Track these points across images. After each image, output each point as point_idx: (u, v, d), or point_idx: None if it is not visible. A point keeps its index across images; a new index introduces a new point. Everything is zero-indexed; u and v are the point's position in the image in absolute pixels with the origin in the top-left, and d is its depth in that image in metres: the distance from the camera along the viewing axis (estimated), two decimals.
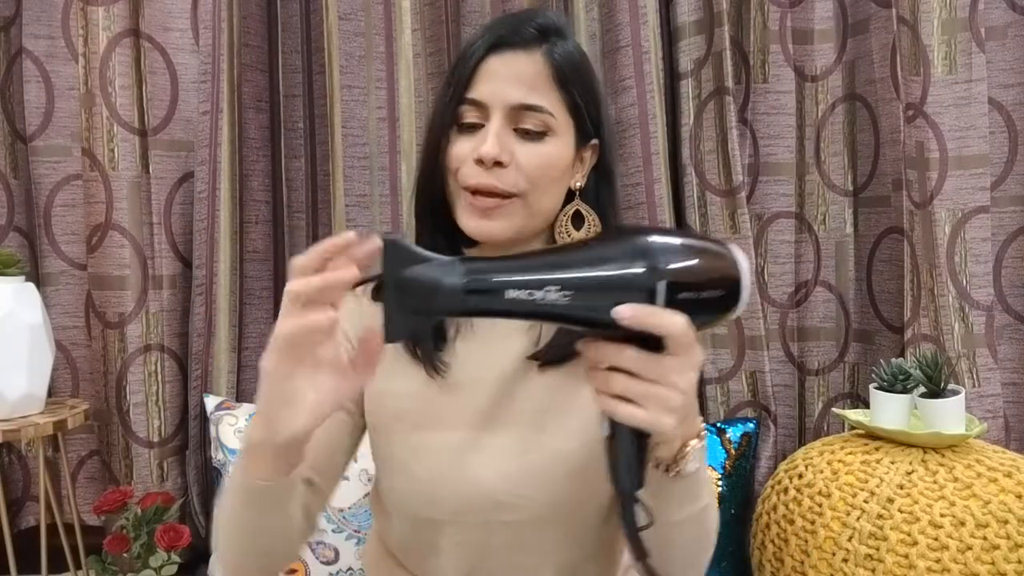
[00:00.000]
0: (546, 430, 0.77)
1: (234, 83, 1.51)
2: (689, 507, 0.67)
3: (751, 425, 1.46)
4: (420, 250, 0.53)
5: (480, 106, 0.77)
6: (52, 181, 1.57)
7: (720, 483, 1.40)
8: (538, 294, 0.51)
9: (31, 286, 1.40)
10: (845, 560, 1.06)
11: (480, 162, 0.75)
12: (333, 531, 1.31)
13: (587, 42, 1.51)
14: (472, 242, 0.80)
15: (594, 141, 0.83)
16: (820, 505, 1.11)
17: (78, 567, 1.46)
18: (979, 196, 1.39)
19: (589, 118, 0.81)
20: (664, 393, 0.54)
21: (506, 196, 0.76)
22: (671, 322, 0.52)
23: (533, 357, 0.79)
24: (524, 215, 0.77)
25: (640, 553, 0.58)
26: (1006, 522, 1.00)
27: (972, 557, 0.99)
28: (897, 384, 1.17)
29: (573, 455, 0.76)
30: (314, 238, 1.60)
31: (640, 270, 0.52)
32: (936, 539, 1.01)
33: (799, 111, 1.53)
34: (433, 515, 0.78)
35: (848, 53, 1.52)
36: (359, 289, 0.60)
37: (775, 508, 1.19)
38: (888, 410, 1.16)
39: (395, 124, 1.55)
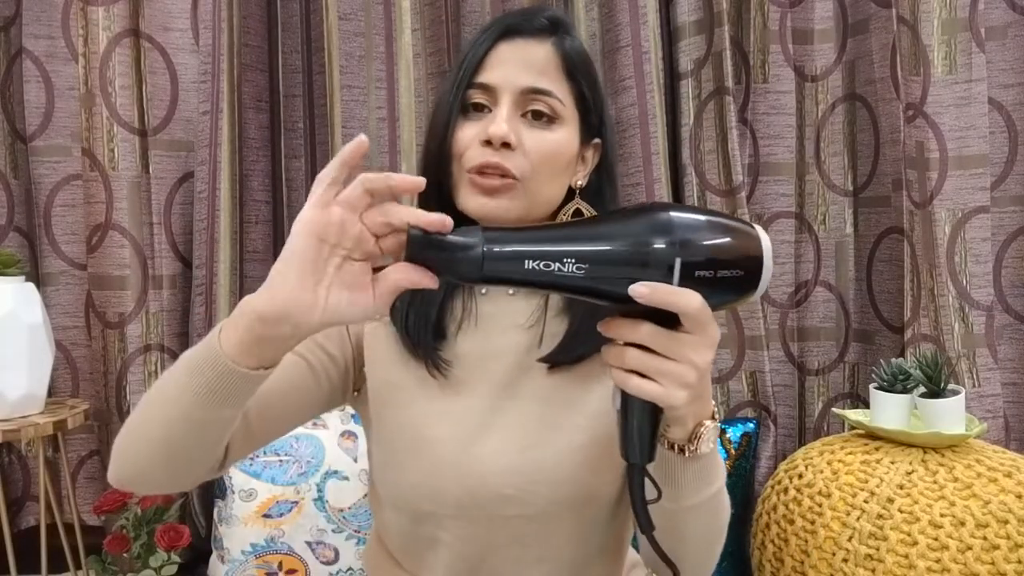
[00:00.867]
0: (552, 425, 0.77)
1: (234, 83, 1.51)
2: (705, 490, 0.67)
3: (751, 425, 1.46)
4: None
5: (489, 90, 0.78)
6: (52, 181, 1.57)
7: (725, 478, 1.40)
8: (555, 266, 0.52)
9: (31, 286, 1.40)
10: (845, 560, 1.06)
11: (488, 143, 0.75)
12: (333, 531, 1.31)
13: (587, 42, 1.51)
14: None
15: (597, 140, 0.83)
16: (820, 505, 1.11)
17: (78, 567, 1.46)
18: (979, 196, 1.39)
19: (594, 113, 0.82)
20: (678, 369, 0.54)
21: (510, 178, 0.76)
22: (686, 301, 0.52)
23: (543, 360, 0.79)
24: (525, 202, 0.77)
25: (647, 525, 0.59)
26: (1006, 522, 1.00)
27: (972, 557, 0.99)
28: (897, 384, 1.17)
29: (580, 450, 0.76)
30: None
31: (656, 246, 0.52)
32: (936, 539, 1.01)
33: (799, 111, 1.53)
34: (435, 509, 0.77)
35: (848, 53, 1.52)
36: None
37: (775, 508, 1.19)
38: (888, 410, 1.16)
39: (395, 124, 1.55)
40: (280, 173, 1.61)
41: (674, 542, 0.65)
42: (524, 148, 0.76)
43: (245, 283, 1.57)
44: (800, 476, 1.17)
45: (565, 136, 0.79)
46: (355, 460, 1.35)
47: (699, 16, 1.50)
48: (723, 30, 1.46)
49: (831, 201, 1.54)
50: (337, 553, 1.32)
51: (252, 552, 1.32)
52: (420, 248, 0.53)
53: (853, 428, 1.27)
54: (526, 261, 0.52)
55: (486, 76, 0.78)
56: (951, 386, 1.17)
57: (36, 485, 1.55)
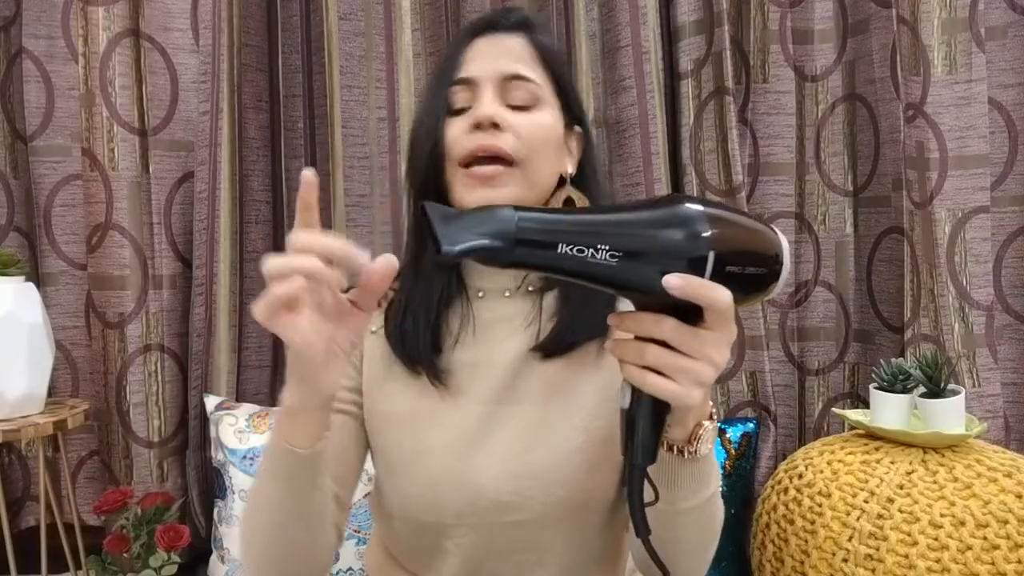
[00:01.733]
0: (549, 428, 0.77)
1: (234, 83, 1.51)
2: (701, 493, 0.67)
3: (751, 425, 1.46)
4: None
5: (470, 84, 0.79)
6: (52, 181, 1.57)
7: (720, 483, 1.40)
8: (589, 252, 0.49)
9: (31, 286, 1.40)
10: (845, 560, 1.05)
11: (477, 127, 0.76)
12: None
13: (587, 42, 1.51)
14: None
15: (578, 129, 0.85)
16: (820, 505, 1.11)
17: (78, 567, 1.46)
18: (979, 196, 1.39)
19: (572, 102, 0.83)
20: (698, 367, 0.53)
21: (507, 162, 0.76)
22: (718, 295, 0.51)
23: (535, 349, 0.79)
24: (523, 186, 0.77)
25: (644, 529, 0.58)
26: (1006, 522, 1.00)
27: (972, 557, 0.99)
28: (897, 384, 1.17)
29: (576, 452, 0.76)
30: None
31: (692, 238, 0.50)
32: (936, 539, 1.01)
33: (799, 111, 1.53)
34: (437, 519, 0.77)
35: (848, 53, 1.52)
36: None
37: (775, 508, 1.19)
38: (888, 410, 1.16)
39: (395, 124, 1.55)
40: (280, 173, 1.61)
41: (667, 546, 0.65)
42: (514, 129, 0.77)
43: (245, 283, 1.57)
44: (800, 476, 1.17)
45: (550, 117, 0.80)
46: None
47: (699, 16, 1.50)
48: (723, 30, 1.46)
49: (831, 201, 1.54)
50: (337, 553, 1.32)
51: None
52: (439, 223, 0.48)
53: (853, 428, 1.27)
54: (559, 245, 0.49)
55: (466, 71, 0.79)
56: (951, 386, 1.17)
57: (36, 485, 1.55)
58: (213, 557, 1.37)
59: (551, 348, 0.79)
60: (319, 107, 1.58)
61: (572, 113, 0.83)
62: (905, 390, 1.17)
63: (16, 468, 1.58)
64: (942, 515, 1.02)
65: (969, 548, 0.99)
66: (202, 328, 1.49)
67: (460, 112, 0.79)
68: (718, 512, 0.72)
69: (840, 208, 1.55)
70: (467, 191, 0.77)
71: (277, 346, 1.62)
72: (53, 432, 1.34)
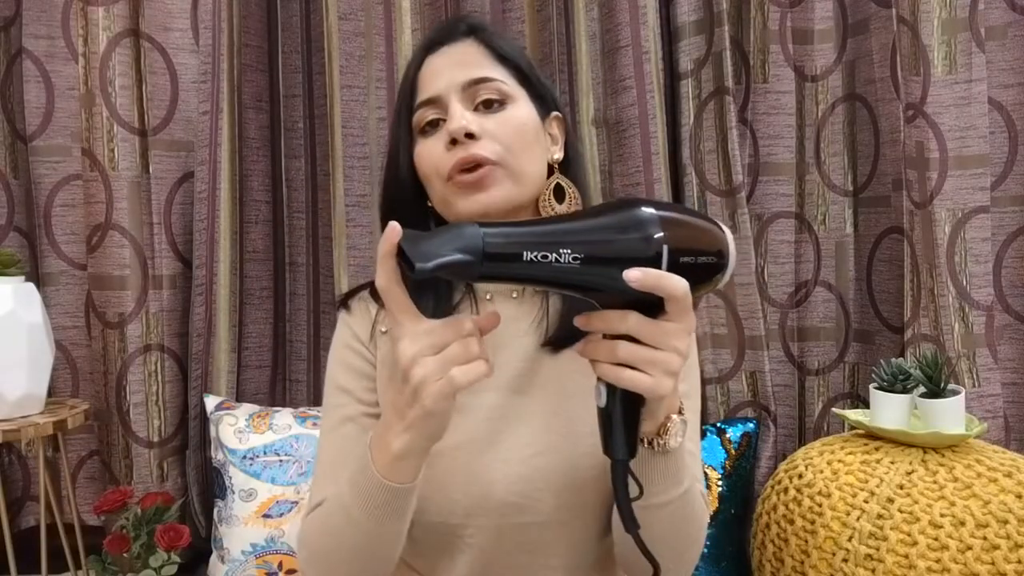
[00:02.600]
0: (558, 433, 0.77)
1: (234, 83, 1.51)
2: (672, 490, 0.68)
3: (751, 425, 1.46)
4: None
5: (434, 102, 0.79)
6: (52, 181, 1.57)
7: (720, 483, 1.40)
8: (552, 256, 0.53)
9: (31, 286, 1.40)
10: (845, 560, 1.06)
11: (453, 142, 0.76)
12: None
13: (587, 42, 1.51)
14: None
15: (556, 114, 0.84)
16: (820, 505, 1.11)
17: (78, 567, 1.46)
18: (979, 196, 1.39)
19: (541, 89, 0.83)
20: (665, 357, 0.56)
21: (489, 163, 0.76)
22: (676, 285, 0.54)
23: (545, 344, 0.79)
24: (511, 183, 0.77)
25: (631, 523, 0.60)
26: (1006, 522, 1.00)
27: (972, 557, 0.99)
28: (897, 384, 1.17)
29: (585, 458, 0.76)
30: (314, 238, 1.60)
31: (646, 235, 0.54)
32: (936, 539, 1.01)
33: (799, 111, 1.53)
34: (445, 519, 0.77)
35: (848, 53, 1.52)
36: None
37: (775, 508, 1.19)
38: (888, 410, 1.16)
39: None
40: (280, 173, 1.61)
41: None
42: (489, 133, 0.77)
43: (245, 283, 1.57)
44: (800, 476, 1.17)
45: (523, 111, 0.80)
46: None
47: (699, 16, 1.50)
48: (723, 30, 1.46)
49: (831, 201, 1.54)
50: None
51: (252, 552, 1.32)
52: (411, 249, 0.52)
53: (853, 428, 1.27)
54: (524, 253, 0.52)
55: (425, 92, 0.79)
56: (951, 386, 1.17)
57: (36, 485, 1.55)
58: (213, 557, 1.37)
59: (560, 338, 0.79)
60: (319, 107, 1.58)
61: (544, 101, 0.83)
62: (905, 390, 1.17)
63: (16, 468, 1.58)
64: (942, 515, 1.02)
65: (969, 548, 0.99)
66: (202, 328, 1.49)
67: (431, 128, 0.79)
68: (694, 513, 0.72)
69: (840, 208, 1.55)
70: (462, 200, 0.77)
71: (277, 346, 1.63)
72: (53, 432, 1.34)
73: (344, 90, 1.54)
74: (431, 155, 0.78)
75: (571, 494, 0.76)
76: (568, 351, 0.80)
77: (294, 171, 1.61)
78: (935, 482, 1.06)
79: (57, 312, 1.58)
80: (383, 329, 0.84)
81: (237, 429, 1.38)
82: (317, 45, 1.57)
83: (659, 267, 0.54)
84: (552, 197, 0.81)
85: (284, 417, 1.41)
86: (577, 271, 0.53)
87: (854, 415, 1.24)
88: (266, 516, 1.32)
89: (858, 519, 1.06)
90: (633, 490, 0.60)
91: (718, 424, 1.46)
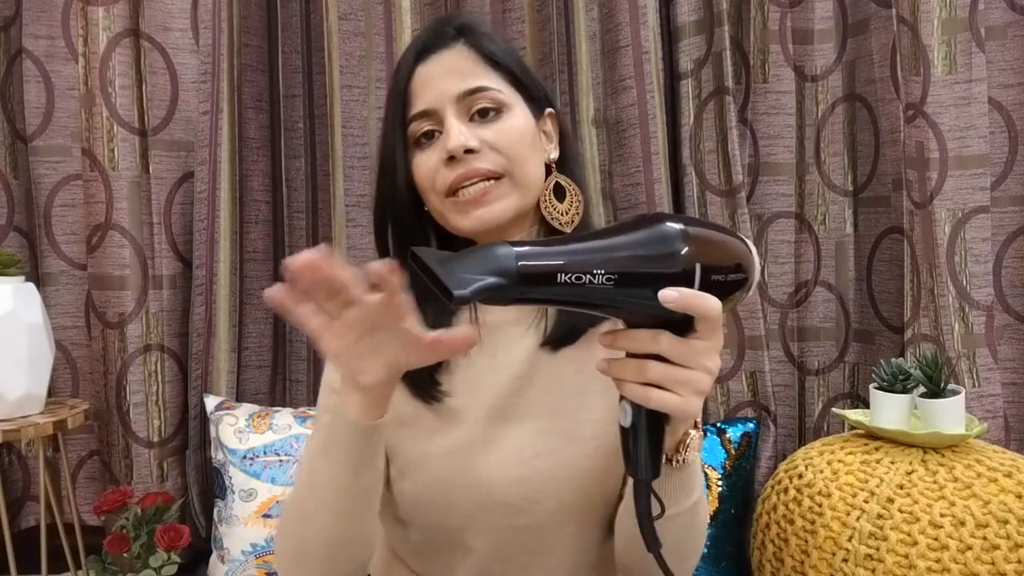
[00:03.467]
0: (559, 435, 0.77)
1: (234, 83, 1.51)
2: (684, 501, 0.67)
3: (751, 425, 1.46)
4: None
5: (429, 114, 0.77)
6: (52, 181, 1.57)
7: (720, 483, 1.40)
8: (586, 278, 0.50)
9: (31, 286, 1.40)
10: (845, 560, 1.05)
11: (452, 159, 0.75)
12: None
13: (587, 42, 1.51)
14: None
15: (550, 110, 0.83)
16: (820, 505, 1.11)
17: (78, 567, 1.46)
18: (979, 196, 1.39)
19: (535, 89, 0.82)
20: (695, 376, 0.54)
21: (493, 177, 0.75)
22: (711, 305, 0.52)
23: (545, 344, 0.79)
24: (517, 193, 0.77)
25: (653, 543, 0.58)
26: (1006, 522, 1.00)
27: (972, 557, 0.99)
28: (897, 384, 1.17)
29: (585, 459, 0.76)
30: (314, 238, 1.60)
31: (678, 254, 0.52)
32: (936, 539, 1.01)
33: (799, 111, 1.53)
34: (445, 521, 0.77)
35: (848, 53, 1.52)
36: None
37: (775, 508, 1.19)
38: (888, 410, 1.16)
39: None
40: (280, 173, 1.61)
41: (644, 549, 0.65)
42: (489, 145, 0.76)
43: (245, 283, 1.57)
44: (800, 476, 1.17)
45: (520, 117, 0.78)
46: None
47: (699, 16, 1.50)
48: (723, 30, 1.45)
49: (831, 201, 1.54)
50: None
51: (252, 552, 1.32)
52: (445, 275, 0.47)
53: (853, 428, 1.27)
54: (559, 275, 0.50)
55: (419, 104, 0.77)
56: (951, 386, 1.17)
57: (36, 485, 1.55)
58: (213, 557, 1.37)
59: (559, 338, 0.78)
60: (319, 107, 1.58)
61: (537, 101, 0.82)
62: (905, 390, 1.17)
63: (16, 468, 1.58)
64: (942, 515, 1.02)
65: (969, 548, 0.99)
66: (202, 328, 1.49)
67: (428, 140, 0.78)
68: (700, 521, 0.72)
69: (840, 208, 1.54)
70: (462, 217, 0.76)
71: (277, 346, 1.63)
72: (53, 432, 1.34)
73: (344, 90, 1.54)
74: (428, 169, 0.77)
75: (571, 496, 0.76)
76: (567, 350, 0.80)
77: (294, 171, 1.61)
78: (935, 482, 1.06)
79: (57, 312, 1.58)
80: None
81: (237, 429, 1.38)
82: (317, 45, 1.57)
83: (692, 285, 0.52)
84: (552, 196, 0.81)
85: (284, 417, 1.41)
86: (610, 292, 0.51)
87: (854, 415, 1.24)
88: (266, 516, 1.32)
89: (858, 519, 1.06)
90: (655, 509, 0.59)
91: (718, 424, 1.46)
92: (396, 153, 0.79)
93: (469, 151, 0.74)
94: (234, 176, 1.52)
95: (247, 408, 1.44)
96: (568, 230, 0.80)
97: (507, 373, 0.79)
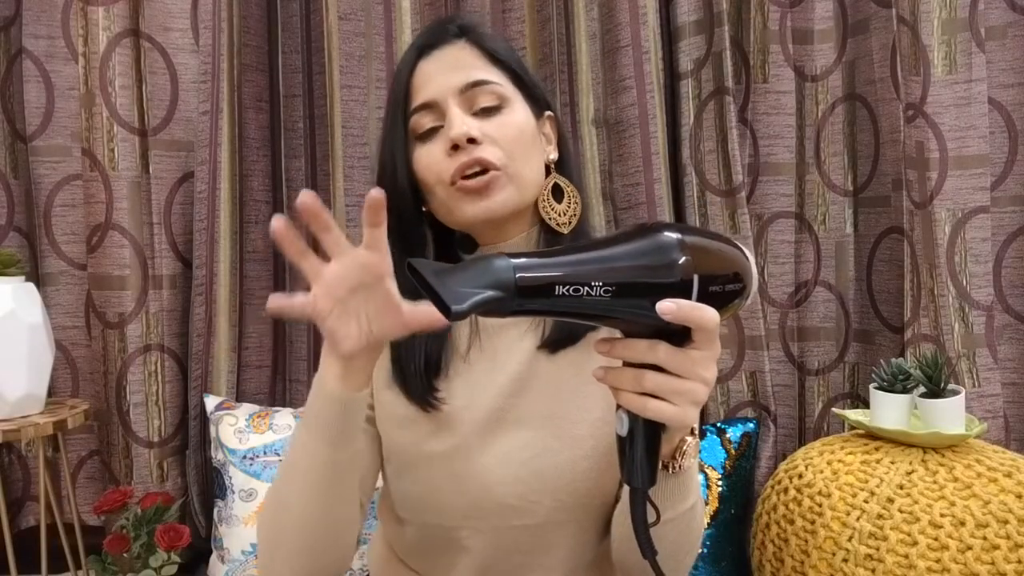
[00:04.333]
0: (556, 435, 0.77)
1: (234, 83, 1.51)
2: (680, 505, 0.67)
3: (751, 425, 1.46)
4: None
5: (430, 107, 0.78)
6: (52, 181, 1.57)
7: (720, 483, 1.40)
8: (584, 290, 0.50)
9: (31, 286, 1.40)
10: (845, 560, 1.06)
11: (455, 148, 0.75)
12: None
13: (587, 42, 1.51)
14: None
15: (549, 113, 0.84)
16: (820, 505, 1.11)
17: (78, 567, 1.46)
18: (979, 196, 1.39)
19: (535, 89, 0.83)
20: (692, 387, 0.54)
21: (493, 168, 0.76)
22: (709, 316, 0.52)
23: (543, 346, 0.79)
24: (514, 189, 0.77)
25: (649, 550, 0.59)
26: (1006, 522, 1.00)
27: (972, 557, 0.99)
28: (897, 384, 1.17)
29: (583, 460, 0.76)
30: (314, 238, 1.60)
31: (676, 265, 0.52)
32: (936, 539, 1.01)
33: (799, 111, 1.53)
34: (443, 521, 0.77)
35: (848, 53, 1.52)
36: None
37: (775, 508, 1.19)
38: (888, 410, 1.16)
39: None
40: (280, 173, 1.61)
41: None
42: (490, 138, 0.76)
43: (245, 283, 1.57)
44: (800, 476, 1.17)
45: (520, 113, 0.79)
46: None
47: (699, 16, 1.50)
48: (723, 30, 1.45)
49: (831, 201, 1.54)
50: None
51: (252, 552, 1.32)
52: (443, 289, 0.48)
53: (853, 428, 1.27)
54: (556, 287, 0.50)
55: (421, 96, 0.78)
56: (951, 386, 1.17)
57: (36, 485, 1.55)
58: (213, 557, 1.37)
59: (558, 340, 0.79)
60: (319, 107, 1.58)
61: (537, 101, 0.83)
62: (905, 390, 1.17)
63: (16, 468, 1.58)
64: (942, 515, 1.02)
65: (969, 548, 0.99)
66: (202, 328, 1.49)
67: (429, 133, 0.78)
68: (697, 523, 0.72)
69: (840, 208, 1.55)
70: (466, 205, 0.77)
71: (277, 346, 1.63)
72: (53, 432, 1.34)
73: (344, 90, 1.54)
74: (431, 161, 0.77)
75: (568, 496, 0.76)
76: (565, 352, 0.80)
77: (294, 171, 1.61)
78: (935, 482, 1.06)
79: (57, 312, 1.58)
80: None
81: (237, 429, 1.38)
82: (317, 45, 1.57)
83: (689, 296, 0.53)
84: (551, 197, 0.81)
85: (284, 417, 1.41)
86: (607, 303, 0.51)
87: (854, 415, 1.24)
88: None
89: (858, 519, 1.06)
90: (650, 516, 0.59)
91: (718, 424, 1.46)
92: (397, 148, 0.79)
93: (472, 140, 0.75)
94: (234, 176, 1.52)
95: (247, 408, 1.44)
96: (566, 231, 0.81)
97: (506, 375, 0.79)
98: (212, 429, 1.42)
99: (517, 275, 0.49)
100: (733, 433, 1.44)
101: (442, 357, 0.80)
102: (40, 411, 1.39)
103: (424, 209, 0.82)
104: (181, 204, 1.54)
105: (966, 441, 1.14)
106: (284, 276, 1.62)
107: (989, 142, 1.40)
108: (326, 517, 0.70)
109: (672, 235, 0.53)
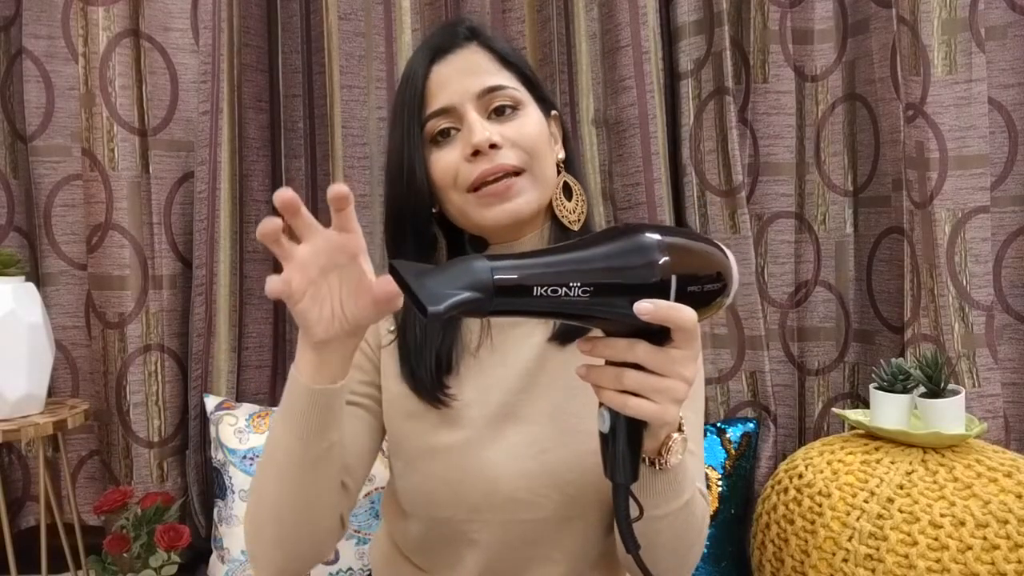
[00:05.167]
0: (565, 430, 0.77)
1: (234, 83, 1.51)
2: (673, 502, 0.68)
3: (751, 425, 1.46)
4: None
5: (447, 111, 0.78)
6: (52, 181, 1.57)
7: (720, 483, 1.40)
8: (562, 291, 0.51)
9: (31, 286, 1.40)
10: (845, 560, 1.06)
11: (476, 154, 0.76)
12: None
13: (587, 42, 1.51)
14: None
15: (554, 112, 0.86)
16: (820, 505, 1.11)
17: (78, 567, 1.46)
18: (979, 196, 1.39)
19: (542, 89, 0.84)
20: (671, 385, 0.55)
21: (515, 173, 0.77)
22: (686, 315, 0.53)
23: (553, 338, 0.80)
24: (536, 189, 0.79)
25: (632, 544, 0.60)
26: (1006, 522, 1.00)
27: (972, 557, 0.99)
28: (897, 384, 1.17)
29: (591, 455, 0.76)
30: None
31: (653, 265, 0.53)
32: (936, 539, 1.01)
33: (799, 111, 1.53)
34: (451, 515, 0.78)
35: (848, 53, 1.52)
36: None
37: (775, 508, 1.19)
38: (888, 410, 1.16)
39: None
40: (280, 173, 1.61)
41: (645, 551, 0.66)
42: (510, 141, 0.77)
43: (245, 283, 1.57)
44: (800, 476, 1.17)
45: (534, 115, 0.81)
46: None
47: (699, 16, 1.50)
48: (723, 30, 1.46)
49: (831, 201, 1.54)
50: (337, 553, 1.32)
51: None
52: (420, 289, 0.48)
53: (853, 428, 1.27)
54: (535, 288, 0.51)
55: (437, 102, 0.78)
56: (951, 386, 1.17)
57: (36, 485, 1.55)
58: (213, 557, 1.38)
59: (567, 332, 0.79)
60: (319, 107, 1.58)
61: (545, 101, 0.84)
62: (905, 390, 1.17)
63: (16, 468, 1.58)
64: (942, 515, 1.02)
65: (969, 548, 0.99)
66: (202, 328, 1.49)
67: (444, 135, 0.79)
68: (694, 519, 0.72)
69: (840, 208, 1.55)
70: (485, 211, 0.77)
71: (277, 346, 1.63)
72: (53, 432, 1.34)
73: (344, 90, 1.54)
74: (448, 165, 0.78)
75: (576, 490, 0.76)
76: (575, 344, 0.80)
77: (294, 171, 1.61)
78: (935, 482, 1.06)
79: (57, 312, 1.58)
80: (390, 328, 0.84)
81: (237, 429, 1.38)
82: (317, 45, 1.57)
83: (667, 297, 0.53)
84: (562, 195, 0.83)
85: None
86: (586, 303, 0.52)
87: (854, 415, 1.24)
88: None
89: (858, 519, 1.06)
90: (634, 511, 0.60)
91: (718, 424, 1.46)
92: (414, 152, 0.79)
93: (493, 146, 0.76)
94: (234, 176, 1.52)
95: (247, 408, 1.44)
96: (576, 228, 0.83)
97: (515, 370, 0.79)
98: (212, 429, 1.42)
99: (495, 276, 0.49)
100: (733, 433, 1.44)
101: (453, 355, 0.80)
102: (40, 411, 1.39)
103: (434, 210, 0.83)
104: (181, 204, 1.54)
105: (966, 441, 1.14)
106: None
107: (989, 142, 1.40)
108: (303, 509, 0.71)
109: (651, 236, 0.54)
